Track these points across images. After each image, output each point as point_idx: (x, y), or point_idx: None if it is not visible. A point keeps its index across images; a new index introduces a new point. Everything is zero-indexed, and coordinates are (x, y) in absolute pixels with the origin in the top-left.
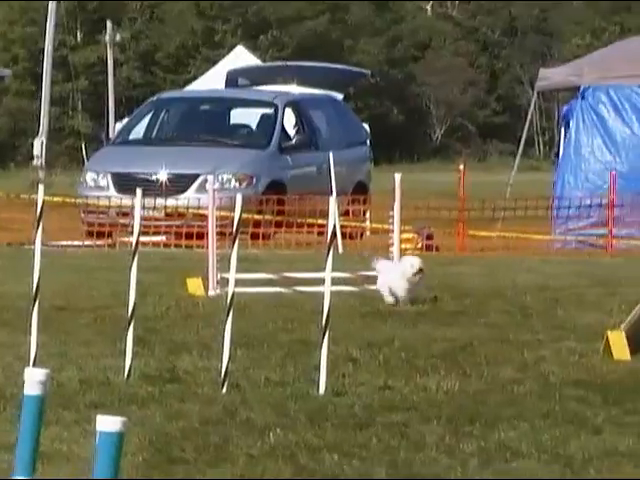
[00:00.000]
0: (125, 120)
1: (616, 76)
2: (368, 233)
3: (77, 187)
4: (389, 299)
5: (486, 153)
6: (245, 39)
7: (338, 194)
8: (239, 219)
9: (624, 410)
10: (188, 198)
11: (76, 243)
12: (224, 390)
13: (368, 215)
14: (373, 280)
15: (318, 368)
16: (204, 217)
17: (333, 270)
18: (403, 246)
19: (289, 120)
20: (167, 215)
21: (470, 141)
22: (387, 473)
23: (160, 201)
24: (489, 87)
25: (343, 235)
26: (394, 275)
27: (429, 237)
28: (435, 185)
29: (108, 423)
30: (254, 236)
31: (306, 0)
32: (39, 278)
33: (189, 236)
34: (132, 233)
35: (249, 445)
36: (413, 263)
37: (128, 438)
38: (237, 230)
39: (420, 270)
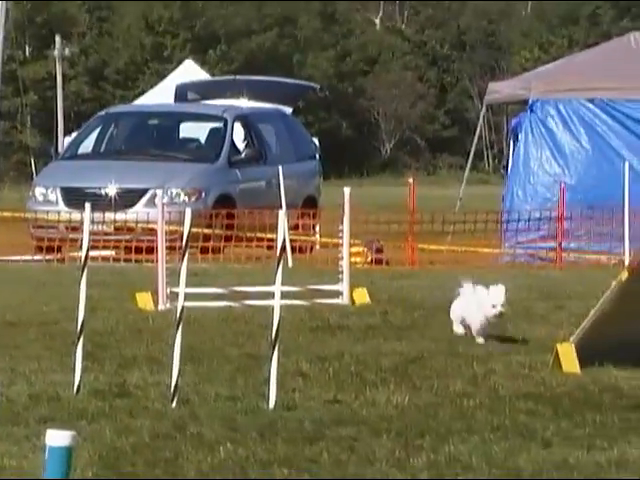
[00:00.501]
0: (74, 135)
1: (564, 89)
2: (318, 247)
3: (26, 202)
4: (459, 329)
5: (435, 167)
6: (194, 53)
7: (288, 208)
8: (188, 233)
9: (574, 423)
10: (137, 212)
11: (25, 258)
12: (174, 405)
13: (317, 229)
14: (322, 294)
15: (268, 382)
16: (153, 231)
17: (283, 284)
18: (353, 260)
19: (238, 134)
20: (116, 229)
21: (419, 155)
22: None
23: (109, 215)
24: (438, 101)
25: (293, 249)
26: (473, 306)
27: (379, 251)
28: (384, 199)
29: (57, 438)
30: (204, 250)
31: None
32: None
33: (138, 250)
34: (81, 248)
35: (199, 460)
36: (496, 303)
37: (78, 453)
38: (186, 244)
39: (502, 311)
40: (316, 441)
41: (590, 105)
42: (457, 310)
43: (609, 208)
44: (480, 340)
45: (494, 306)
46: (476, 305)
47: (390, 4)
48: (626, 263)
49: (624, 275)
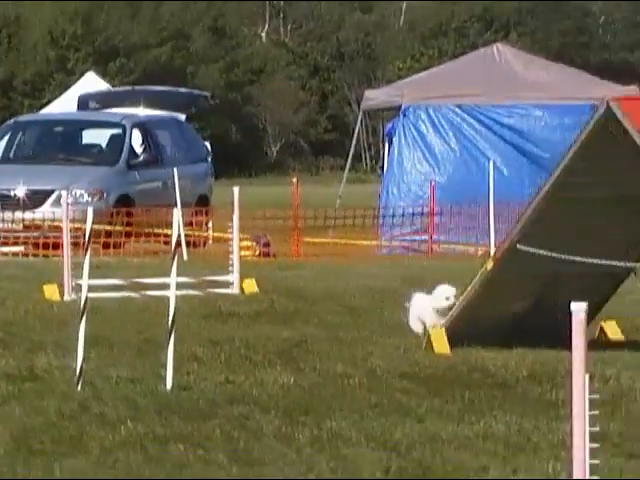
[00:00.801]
0: None
1: (434, 96)
2: (210, 242)
3: None
4: (418, 329)
5: (318, 168)
6: (95, 65)
7: (182, 206)
8: (91, 230)
9: (445, 400)
10: (44, 212)
11: None
12: (79, 387)
13: (210, 225)
14: (215, 284)
15: (165, 366)
16: (59, 229)
17: (178, 276)
18: (242, 253)
19: (136, 139)
20: (25, 227)
21: (303, 157)
22: (229, 460)
23: (18, 215)
24: (320, 108)
25: (187, 244)
26: (426, 307)
27: (266, 244)
28: (271, 197)
29: None
30: (106, 245)
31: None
32: None
33: (45, 246)
34: None
35: (102, 437)
36: (449, 295)
37: None
38: (89, 240)
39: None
40: (210, 419)
41: (458, 110)
42: (414, 312)
43: (476, 203)
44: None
45: (447, 298)
46: (429, 301)
47: (276, 20)
48: (491, 254)
49: (489, 265)
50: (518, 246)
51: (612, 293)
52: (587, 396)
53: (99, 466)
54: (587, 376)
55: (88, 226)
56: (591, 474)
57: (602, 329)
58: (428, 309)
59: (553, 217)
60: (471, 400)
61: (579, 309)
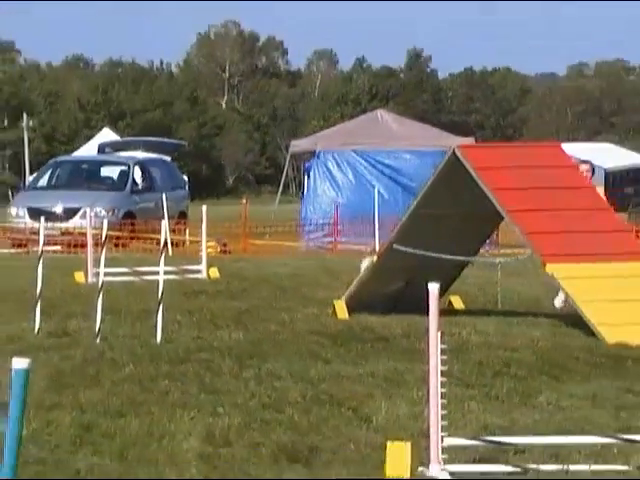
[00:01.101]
0: (35, 175)
1: (338, 145)
2: (187, 243)
3: (6, 217)
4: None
5: (260, 193)
6: (110, 124)
7: (168, 219)
8: (106, 235)
9: (345, 349)
10: (74, 223)
11: (4, 251)
12: (98, 340)
13: (187, 232)
14: (190, 272)
15: (156, 326)
16: (84, 234)
17: (165, 266)
18: (208, 250)
19: (137, 173)
20: (61, 233)
21: (250, 185)
22: (198, 390)
23: (57, 224)
24: (261, 152)
25: (172, 244)
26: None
27: (225, 245)
28: (228, 213)
29: (19, 362)
30: (116, 245)
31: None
32: None
33: (75, 246)
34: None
35: (112, 375)
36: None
37: (36, 373)
38: (105, 241)
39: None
40: (185, 362)
41: (354, 154)
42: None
43: (366, 217)
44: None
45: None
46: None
47: (232, 94)
48: (376, 251)
49: (375, 258)
50: (394, 246)
51: (457, 276)
52: (439, 346)
53: (110, 395)
54: (439, 333)
55: (104, 232)
56: (441, 399)
57: (450, 301)
58: None
59: (418, 226)
60: (362, 349)
61: (434, 287)
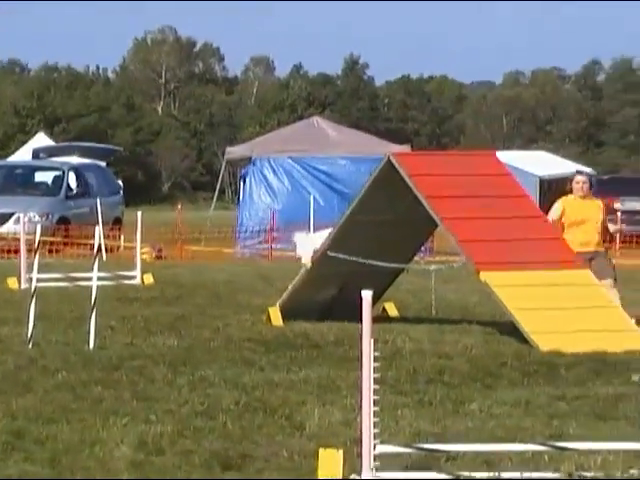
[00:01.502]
0: None
1: (274, 151)
2: (122, 248)
3: None
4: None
5: (196, 199)
6: (45, 128)
7: (102, 224)
8: (39, 240)
9: (278, 356)
10: (8, 228)
11: None
12: (30, 346)
13: (122, 237)
14: (124, 277)
15: (89, 333)
16: (18, 239)
17: (98, 272)
18: (143, 256)
19: (72, 179)
20: None
21: (186, 192)
22: (131, 397)
23: None
24: (197, 159)
25: (106, 250)
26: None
27: (159, 250)
28: (164, 219)
29: None
30: (50, 251)
31: None
32: None
33: (8, 251)
34: None
35: (44, 382)
36: (322, 234)
37: None
38: (38, 247)
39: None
40: (119, 369)
41: (290, 160)
42: (300, 246)
43: (302, 224)
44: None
45: (321, 236)
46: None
47: (168, 99)
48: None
49: (309, 265)
50: (328, 252)
51: (391, 283)
52: (372, 353)
53: (42, 401)
54: (372, 340)
55: (37, 238)
56: (374, 406)
57: (384, 308)
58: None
59: (352, 233)
60: (295, 356)
61: (367, 294)
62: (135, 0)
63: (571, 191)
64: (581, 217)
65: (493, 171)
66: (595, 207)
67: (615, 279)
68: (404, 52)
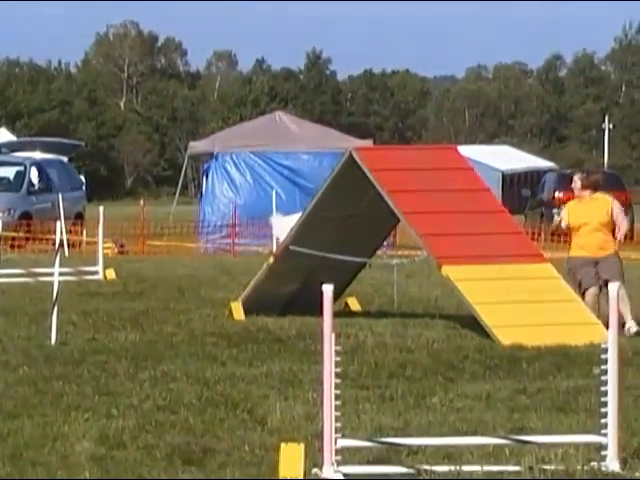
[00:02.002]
0: None
1: (236, 146)
2: (85, 244)
3: None
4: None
5: (159, 194)
6: (7, 123)
7: (64, 220)
8: (1, 236)
9: (240, 350)
10: None
11: None
12: None
13: (84, 232)
14: (86, 272)
15: (51, 328)
16: None
17: (60, 267)
18: (105, 251)
19: (34, 174)
20: None
21: (149, 186)
22: (93, 392)
23: None
24: (160, 153)
25: (68, 245)
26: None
27: (122, 245)
28: (127, 214)
29: None
30: (12, 246)
31: None
32: None
33: None
34: None
35: (6, 377)
36: (294, 217)
37: None
38: (0, 242)
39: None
40: (80, 364)
41: (252, 155)
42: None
43: (264, 218)
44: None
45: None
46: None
47: (131, 94)
48: (273, 252)
49: (271, 260)
50: (290, 247)
51: (354, 278)
52: (333, 347)
53: (3, 396)
54: (333, 334)
55: None
56: (335, 400)
57: (347, 303)
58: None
59: (314, 227)
60: (258, 350)
61: (327, 289)
62: None
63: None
64: (581, 221)
65: (454, 165)
66: (598, 207)
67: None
68: (367, 46)
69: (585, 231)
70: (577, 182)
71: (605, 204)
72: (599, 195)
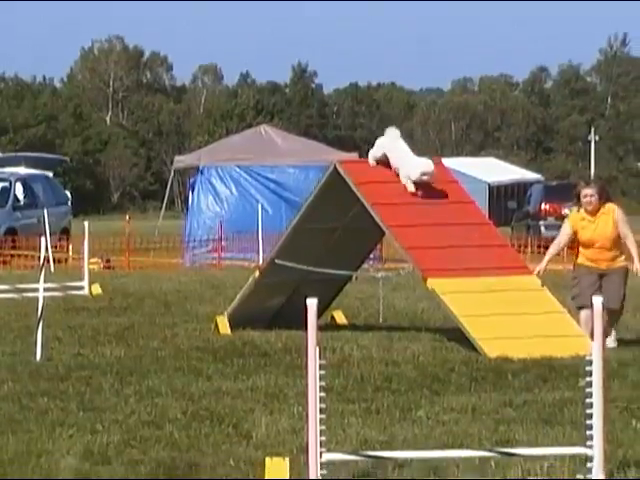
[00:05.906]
0: None
1: (222, 160)
2: (70, 259)
3: None
4: None
5: (146, 208)
6: None
7: (50, 235)
8: None
9: (225, 365)
10: None
11: None
12: None
13: (70, 248)
14: (72, 288)
15: (36, 343)
16: None
17: (46, 282)
18: (91, 267)
19: (19, 189)
20: None
21: (135, 201)
22: (78, 407)
23: None
24: (146, 168)
25: (54, 261)
26: None
27: (108, 261)
28: (112, 229)
29: None
30: None
31: None
32: None
33: None
34: None
35: None
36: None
37: None
38: None
39: None
40: (66, 380)
41: (237, 169)
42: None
43: (250, 232)
44: None
45: None
46: None
47: (116, 109)
48: (259, 266)
49: (257, 274)
50: (276, 260)
51: (340, 291)
52: (317, 361)
53: None
54: (317, 348)
55: None
56: (320, 414)
57: (332, 316)
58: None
59: (300, 241)
60: (243, 364)
61: (312, 302)
62: (82, 9)
63: (578, 199)
64: (591, 238)
65: (440, 178)
66: (605, 222)
67: (620, 310)
68: (352, 60)
69: (595, 249)
70: (594, 195)
71: (611, 216)
72: (606, 208)
